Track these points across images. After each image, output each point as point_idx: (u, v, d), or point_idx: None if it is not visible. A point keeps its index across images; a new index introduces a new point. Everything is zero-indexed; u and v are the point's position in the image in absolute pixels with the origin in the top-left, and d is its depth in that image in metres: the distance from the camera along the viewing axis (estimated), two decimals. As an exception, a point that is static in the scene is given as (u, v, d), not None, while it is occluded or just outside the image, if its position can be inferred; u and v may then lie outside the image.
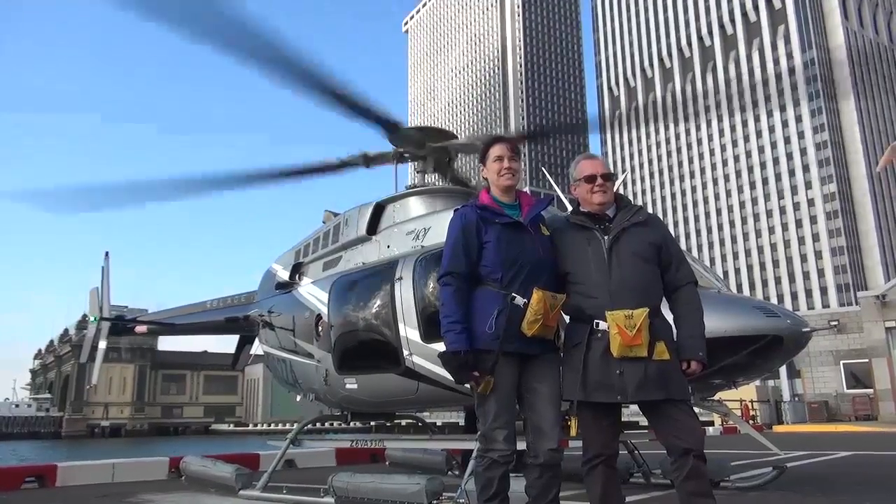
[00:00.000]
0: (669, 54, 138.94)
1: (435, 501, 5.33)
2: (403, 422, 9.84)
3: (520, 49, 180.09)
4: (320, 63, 6.03)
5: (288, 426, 76.51)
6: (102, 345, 13.82)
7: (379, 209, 7.62)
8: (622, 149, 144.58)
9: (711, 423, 22.45)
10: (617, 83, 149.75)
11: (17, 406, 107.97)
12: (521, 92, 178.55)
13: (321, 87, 6.28)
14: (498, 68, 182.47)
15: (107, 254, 14.73)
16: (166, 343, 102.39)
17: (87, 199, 8.37)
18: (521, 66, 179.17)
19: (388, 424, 9.22)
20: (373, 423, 10.37)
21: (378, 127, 7.27)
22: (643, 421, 3.74)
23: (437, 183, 8.34)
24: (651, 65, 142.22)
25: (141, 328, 13.60)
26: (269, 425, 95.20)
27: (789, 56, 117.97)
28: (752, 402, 31.44)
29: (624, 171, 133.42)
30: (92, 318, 14.07)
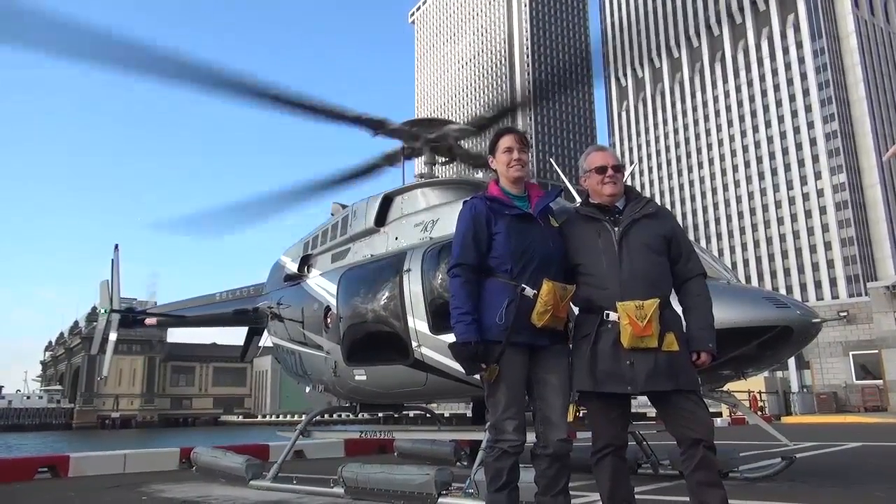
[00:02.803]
0: (678, 44, 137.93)
1: (444, 492, 5.36)
2: (411, 413, 9.88)
3: (526, 40, 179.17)
4: (290, 85, 6.68)
5: (297, 417, 77.07)
6: (113, 337, 13.89)
7: (387, 201, 7.63)
8: (630, 140, 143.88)
9: (720, 415, 22.41)
10: (625, 73, 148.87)
11: (28, 398, 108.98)
12: (528, 83, 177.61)
13: (298, 105, 6.97)
14: (505, 59, 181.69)
15: (116, 246, 14.76)
16: (175, 335, 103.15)
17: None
18: (527, 56, 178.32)
19: (396, 416, 9.27)
20: (381, 415, 10.41)
21: (363, 128, 7.50)
22: (651, 412, 3.75)
23: (447, 173, 8.37)
24: (659, 55, 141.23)
25: (151, 320, 13.69)
26: (278, 417, 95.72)
27: (799, 45, 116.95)
28: (760, 393, 31.43)
29: (632, 162, 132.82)
30: (102, 311, 14.14)
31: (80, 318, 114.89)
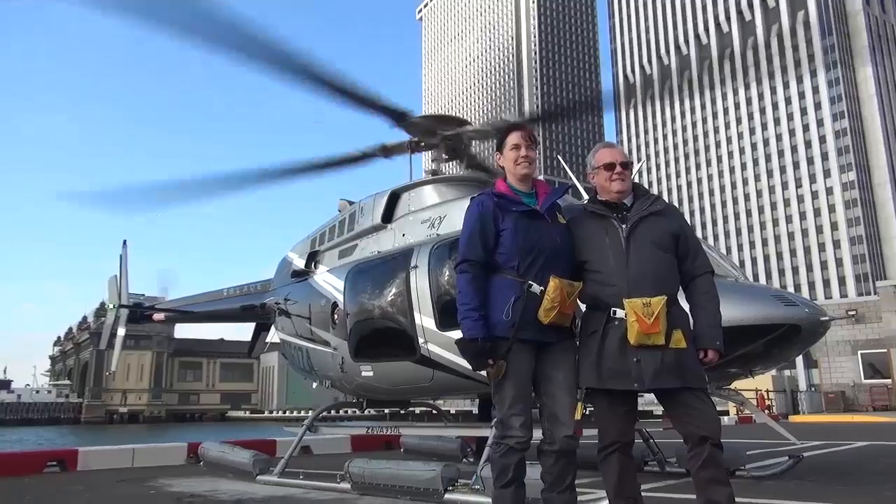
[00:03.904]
0: (686, 41, 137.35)
1: (450, 487, 5.37)
2: (417, 409, 9.88)
3: (534, 36, 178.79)
4: (324, 60, 6.22)
5: (303, 413, 77.26)
6: (121, 332, 14.00)
7: (394, 197, 7.64)
8: (638, 137, 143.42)
9: (727, 413, 22.36)
10: (633, 70, 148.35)
11: (37, 392, 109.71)
12: (536, 80, 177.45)
13: (326, 83, 6.48)
14: (512, 56, 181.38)
15: (125, 242, 14.86)
16: (183, 331, 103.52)
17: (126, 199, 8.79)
18: (535, 53, 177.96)
19: (403, 412, 9.29)
20: (387, 411, 10.44)
21: (386, 117, 7.36)
22: (657, 410, 3.75)
23: (453, 171, 8.36)
24: (668, 52, 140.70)
25: (158, 316, 13.74)
26: (285, 412, 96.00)
27: (809, 42, 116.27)
28: (767, 391, 31.29)
29: (640, 159, 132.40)
30: (111, 306, 14.24)
31: (89, 313, 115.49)
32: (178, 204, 9.32)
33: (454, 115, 9.42)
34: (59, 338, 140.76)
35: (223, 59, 6.04)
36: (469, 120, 8.57)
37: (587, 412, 3.59)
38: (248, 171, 8.27)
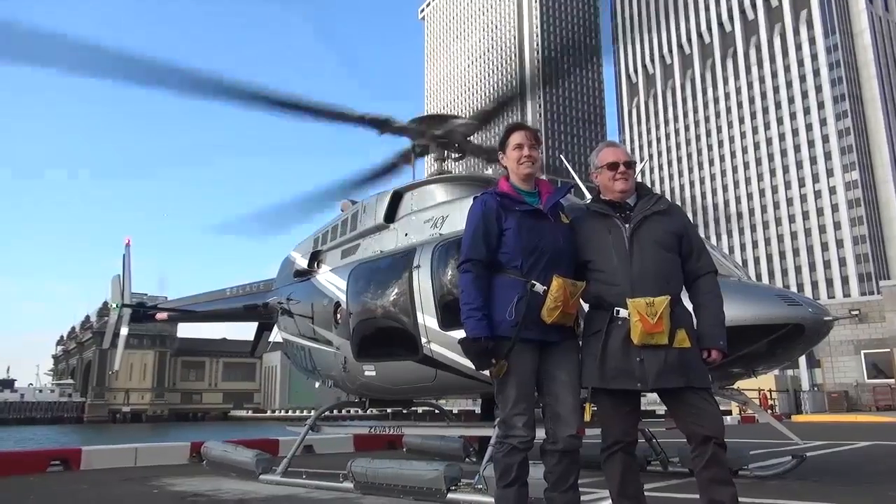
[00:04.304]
0: (689, 40, 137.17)
1: (453, 487, 5.36)
2: (420, 409, 9.87)
3: (537, 36, 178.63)
4: (291, 90, 6.95)
5: (306, 413, 77.33)
6: (124, 331, 14.03)
7: (397, 197, 7.64)
8: (640, 136, 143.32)
9: (729, 413, 22.34)
10: (635, 70, 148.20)
11: (40, 391, 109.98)
12: (538, 79, 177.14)
13: (302, 108, 7.08)
14: (515, 56, 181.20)
15: (128, 242, 14.89)
16: (185, 330, 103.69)
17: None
18: (538, 53, 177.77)
19: (405, 412, 9.30)
20: (389, 411, 10.45)
21: (368, 127, 7.54)
22: (660, 410, 3.74)
23: (459, 169, 8.38)
24: (670, 51, 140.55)
25: (161, 315, 13.78)
26: (287, 412, 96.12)
27: (812, 41, 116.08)
28: (770, 391, 31.29)
29: (642, 159, 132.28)
30: (114, 305, 14.27)
31: (92, 312, 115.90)
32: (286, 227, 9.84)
33: (451, 113, 9.45)
34: (62, 337, 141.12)
35: (198, 100, 6.78)
36: (460, 115, 8.61)
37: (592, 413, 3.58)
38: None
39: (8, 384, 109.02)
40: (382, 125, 7.59)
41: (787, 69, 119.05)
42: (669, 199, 3.75)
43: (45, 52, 5.93)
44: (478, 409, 8.94)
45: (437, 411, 9.57)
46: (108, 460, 9.46)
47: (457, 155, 8.20)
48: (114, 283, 14.43)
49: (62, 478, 8.49)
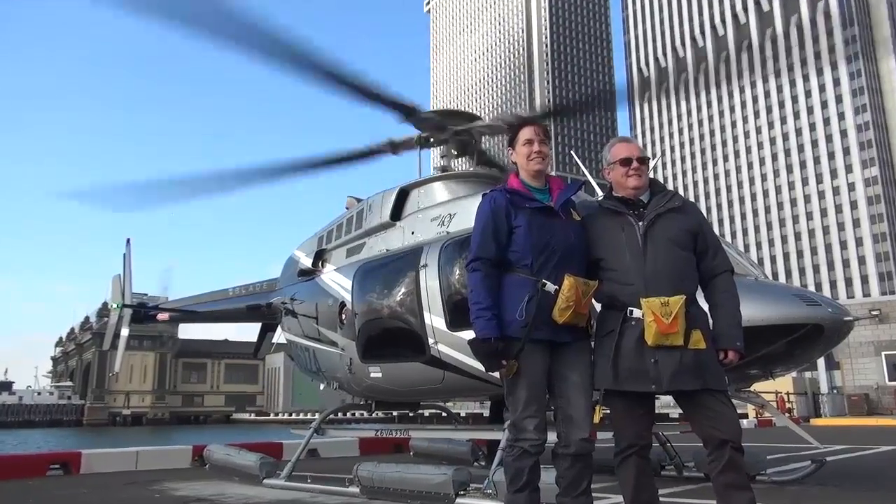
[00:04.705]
0: (702, 32, 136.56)
1: (462, 492, 5.37)
2: (426, 412, 9.86)
3: (545, 29, 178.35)
4: (331, 53, 6.21)
5: (310, 416, 77.46)
6: (125, 332, 14.07)
7: (403, 195, 7.64)
8: (652, 132, 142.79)
9: (745, 416, 22.26)
10: (647, 63, 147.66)
11: (39, 394, 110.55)
12: (547, 73, 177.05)
13: (334, 77, 6.49)
14: (523, 49, 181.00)
15: (128, 241, 14.96)
16: (186, 331, 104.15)
17: (128, 196, 8.79)
18: (546, 46, 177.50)
19: (411, 414, 9.31)
20: (395, 413, 10.46)
21: (395, 112, 7.35)
22: (674, 413, 3.73)
23: (463, 167, 8.36)
24: (683, 43, 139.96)
25: (163, 315, 13.81)
26: (291, 415, 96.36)
27: (829, 33, 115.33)
28: (788, 394, 31.14)
29: (655, 155, 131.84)
30: (114, 306, 14.33)
31: (91, 313, 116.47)
32: (187, 199, 9.39)
33: (463, 109, 9.37)
34: (61, 338, 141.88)
35: (232, 53, 6.12)
36: (479, 115, 8.57)
37: (603, 416, 3.58)
38: (257, 167, 8.30)
39: (6, 386, 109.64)
40: (409, 113, 7.47)
41: (803, 62, 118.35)
42: (683, 196, 3.74)
43: None
44: (486, 412, 8.92)
45: (444, 414, 9.59)
46: (109, 464, 9.52)
47: (456, 152, 8.15)
48: (114, 283, 14.49)
49: (62, 482, 8.54)
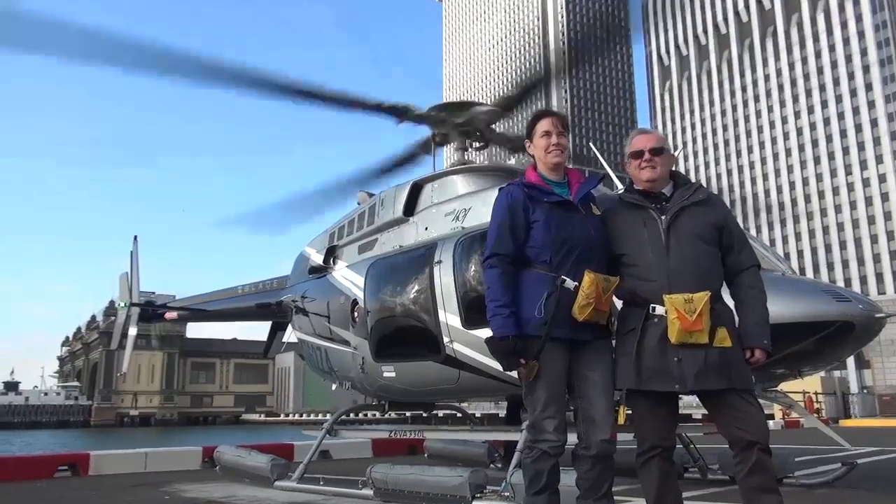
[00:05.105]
0: (725, 19, 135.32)
1: (478, 495, 5.37)
2: (441, 412, 9.88)
3: (561, 17, 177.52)
4: (313, 76, 7.13)
5: (321, 416, 77.85)
6: (133, 331, 14.22)
7: (416, 189, 7.64)
8: (673, 122, 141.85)
9: (772, 416, 22.12)
10: (668, 52, 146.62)
11: (46, 394, 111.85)
12: (564, 63, 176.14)
13: (320, 97, 7.25)
14: (537, 39, 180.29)
15: (135, 238, 15.10)
16: (194, 330, 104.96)
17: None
18: (562, 34, 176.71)
19: (425, 415, 9.34)
20: (408, 414, 10.49)
21: (387, 116, 7.57)
22: (697, 413, 3.71)
23: (480, 160, 8.35)
24: (705, 31, 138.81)
25: (171, 314, 13.94)
26: (302, 415, 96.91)
27: (858, 18, 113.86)
28: (816, 394, 30.87)
29: (676, 146, 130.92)
30: (121, 304, 14.47)
31: (98, 312, 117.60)
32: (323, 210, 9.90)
33: (465, 99, 9.57)
34: (67, 338, 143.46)
35: (215, 90, 6.98)
36: (482, 101, 8.59)
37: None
38: (306, 194, 9.11)
39: (12, 387, 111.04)
40: (401, 113, 7.63)
41: (831, 48, 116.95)
42: (708, 189, 3.71)
43: (47, 39, 6.07)
44: (502, 413, 8.92)
45: (459, 415, 9.60)
46: (118, 465, 9.63)
47: (479, 144, 8.19)
48: (122, 281, 14.63)
49: (70, 483, 8.64)
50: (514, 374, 3.43)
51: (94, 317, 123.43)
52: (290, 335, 10.62)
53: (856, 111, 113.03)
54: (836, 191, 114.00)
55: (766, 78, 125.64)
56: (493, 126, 8.15)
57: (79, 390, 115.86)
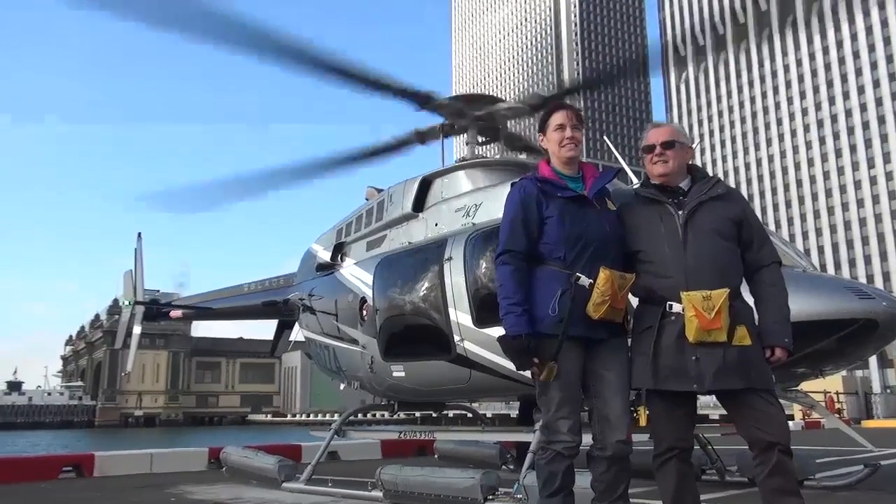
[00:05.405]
0: (743, 6, 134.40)
1: (490, 497, 5.38)
2: (451, 413, 9.89)
3: (574, 6, 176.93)
4: (343, 51, 6.69)
5: (328, 417, 78.12)
6: (137, 330, 14.28)
7: (426, 184, 7.64)
8: (689, 115, 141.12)
9: (791, 417, 22.02)
10: (683, 42, 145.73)
11: (49, 394, 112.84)
12: (577, 54, 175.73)
13: (343, 73, 6.91)
14: (550, 28, 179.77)
15: (139, 235, 15.14)
16: (200, 329, 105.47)
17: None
18: (575, 24, 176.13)
19: (435, 415, 9.35)
20: (418, 414, 10.51)
21: (409, 101, 7.47)
22: (714, 414, 3.70)
23: (491, 154, 8.35)
24: (722, 19, 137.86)
25: (176, 313, 14.01)
26: (309, 415, 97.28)
27: (881, 5, 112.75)
28: (837, 393, 30.71)
29: (692, 139, 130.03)
30: (126, 303, 14.54)
31: (102, 310, 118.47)
32: (229, 202, 10.04)
33: (485, 92, 9.51)
34: (70, 337, 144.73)
35: (242, 56, 6.65)
36: (502, 97, 8.56)
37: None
38: (290, 166, 8.66)
39: (16, 387, 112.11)
40: (424, 101, 7.54)
41: (853, 37, 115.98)
42: (727, 183, 3.70)
43: None
44: (513, 413, 8.93)
45: (469, 415, 9.60)
46: (123, 466, 9.70)
47: (486, 139, 8.18)
48: (126, 279, 14.69)
49: (75, 485, 8.72)
50: (527, 373, 3.43)
51: (97, 315, 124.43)
52: (297, 334, 10.66)
53: (878, 102, 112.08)
54: (857, 185, 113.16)
55: (786, 68, 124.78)
56: (508, 124, 8.15)
57: (82, 390, 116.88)
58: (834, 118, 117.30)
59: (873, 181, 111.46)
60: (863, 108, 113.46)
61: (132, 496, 7.51)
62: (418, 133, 8.21)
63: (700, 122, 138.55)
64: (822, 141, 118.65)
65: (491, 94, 8.82)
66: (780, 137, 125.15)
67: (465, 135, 8.12)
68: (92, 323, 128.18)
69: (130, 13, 6.43)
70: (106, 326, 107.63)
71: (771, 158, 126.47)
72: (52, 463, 9.62)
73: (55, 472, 9.24)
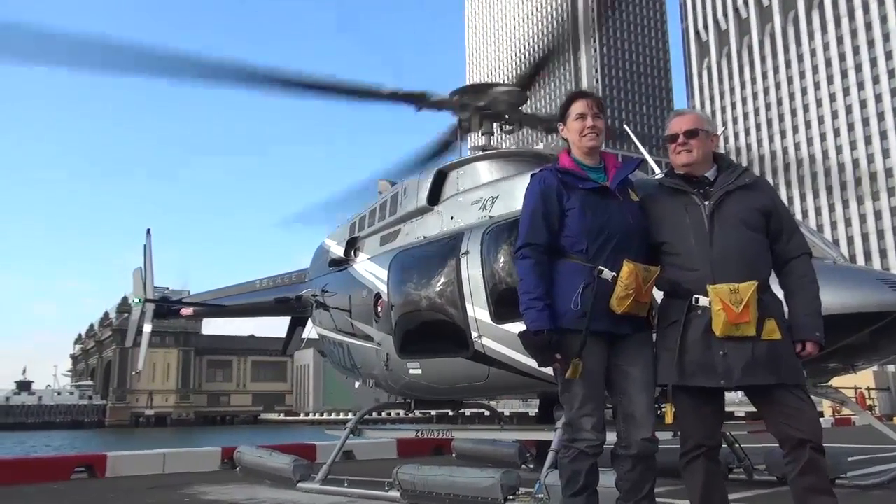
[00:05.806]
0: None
1: (511, 497, 5.39)
2: (468, 411, 9.91)
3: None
4: (326, 73, 7.24)
5: (342, 415, 78.46)
6: (147, 328, 14.39)
7: (441, 176, 7.64)
8: (712, 101, 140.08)
9: (821, 414, 21.86)
10: (705, 26, 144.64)
11: (59, 394, 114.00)
12: (594, 40, 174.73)
13: (327, 90, 7.43)
14: (567, 14, 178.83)
15: (148, 231, 15.24)
16: (210, 326, 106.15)
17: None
18: (592, 10, 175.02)
19: (451, 414, 9.37)
20: (433, 413, 10.52)
21: (404, 104, 7.63)
22: (740, 411, 3.69)
23: (506, 145, 8.33)
24: (746, 3, 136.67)
25: (187, 310, 14.10)
26: (322, 414, 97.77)
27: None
28: (868, 389, 30.42)
29: (716, 128, 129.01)
30: (136, 300, 14.65)
31: (111, 308, 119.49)
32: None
33: (484, 80, 9.49)
34: (80, 335, 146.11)
35: (220, 89, 7.15)
36: (502, 82, 8.53)
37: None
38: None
39: (25, 386, 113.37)
40: (419, 100, 7.59)
41: (883, 19, 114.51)
42: (754, 173, 3.67)
43: (48, 50, 6.21)
44: (532, 411, 8.93)
45: (487, 413, 9.61)
46: (135, 467, 9.78)
47: (509, 127, 8.14)
48: (135, 277, 14.79)
49: (88, 485, 8.82)
50: (549, 370, 3.42)
51: (107, 314, 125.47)
52: (309, 331, 10.71)
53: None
54: (888, 172, 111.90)
55: (812, 53, 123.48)
56: (521, 108, 8.08)
57: (92, 389, 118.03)
58: (863, 104, 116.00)
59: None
60: (893, 93, 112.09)
61: (145, 497, 7.58)
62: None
63: (723, 109, 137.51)
64: (850, 127, 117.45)
65: (492, 81, 8.75)
66: (807, 124, 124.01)
67: (483, 126, 8.07)
68: (101, 321, 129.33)
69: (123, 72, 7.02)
70: (115, 325, 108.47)
71: (797, 146, 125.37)
72: (65, 463, 9.73)
73: (67, 472, 9.34)
